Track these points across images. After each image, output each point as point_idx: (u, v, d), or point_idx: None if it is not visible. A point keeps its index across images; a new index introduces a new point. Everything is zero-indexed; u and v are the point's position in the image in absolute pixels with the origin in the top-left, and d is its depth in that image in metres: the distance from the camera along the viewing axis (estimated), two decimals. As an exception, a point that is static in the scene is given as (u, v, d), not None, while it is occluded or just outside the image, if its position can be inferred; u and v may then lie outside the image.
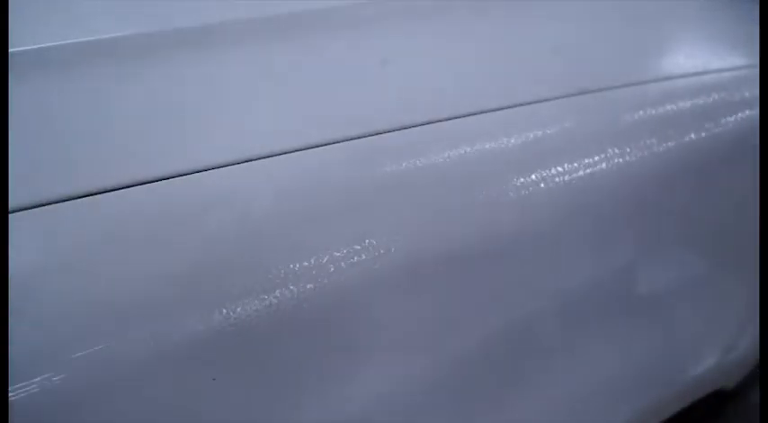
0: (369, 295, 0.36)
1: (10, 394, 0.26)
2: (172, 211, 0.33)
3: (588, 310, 0.49)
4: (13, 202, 0.31)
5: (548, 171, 0.43)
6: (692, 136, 0.50)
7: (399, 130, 0.41)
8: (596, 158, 0.45)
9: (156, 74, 0.40)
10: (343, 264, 0.35)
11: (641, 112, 0.49)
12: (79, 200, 0.32)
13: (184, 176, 0.35)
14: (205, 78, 0.41)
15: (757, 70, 0.58)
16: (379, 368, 0.37)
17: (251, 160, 0.36)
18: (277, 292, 0.33)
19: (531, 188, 0.42)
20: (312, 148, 0.38)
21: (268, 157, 0.36)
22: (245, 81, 0.42)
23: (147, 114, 0.38)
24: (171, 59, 0.41)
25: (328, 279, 0.34)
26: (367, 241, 0.36)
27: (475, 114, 0.43)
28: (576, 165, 0.44)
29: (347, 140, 0.39)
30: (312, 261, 0.34)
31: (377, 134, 0.40)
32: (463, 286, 0.40)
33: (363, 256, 0.35)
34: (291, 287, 0.33)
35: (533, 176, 0.42)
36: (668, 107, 0.50)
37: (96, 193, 0.33)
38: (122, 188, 0.33)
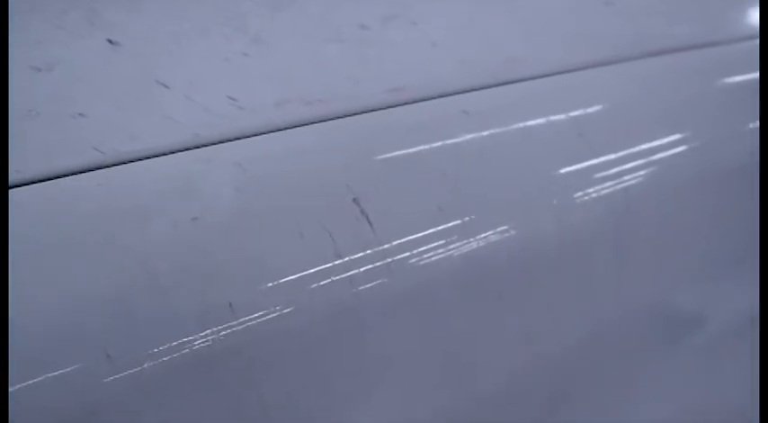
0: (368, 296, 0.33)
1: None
2: (125, 202, 0.28)
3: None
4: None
5: (600, 159, 0.35)
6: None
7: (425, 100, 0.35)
8: (663, 142, 0.37)
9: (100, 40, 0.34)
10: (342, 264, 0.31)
11: (720, 81, 0.40)
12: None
13: (138, 162, 0.29)
14: (160, 39, 0.35)
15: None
16: (381, 372, 0.35)
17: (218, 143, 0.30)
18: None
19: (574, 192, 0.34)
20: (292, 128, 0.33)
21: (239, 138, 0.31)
22: (211, 44, 0.35)
23: (87, 88, 0.32)
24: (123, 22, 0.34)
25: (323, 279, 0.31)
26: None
27: (511, 83, 0.36)
28: (636, 150, 0.36)
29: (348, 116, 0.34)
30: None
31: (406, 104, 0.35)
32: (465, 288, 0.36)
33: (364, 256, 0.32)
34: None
35: (578, 167, 0.34)
36: (751, 74, 0.42)
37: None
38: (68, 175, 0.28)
